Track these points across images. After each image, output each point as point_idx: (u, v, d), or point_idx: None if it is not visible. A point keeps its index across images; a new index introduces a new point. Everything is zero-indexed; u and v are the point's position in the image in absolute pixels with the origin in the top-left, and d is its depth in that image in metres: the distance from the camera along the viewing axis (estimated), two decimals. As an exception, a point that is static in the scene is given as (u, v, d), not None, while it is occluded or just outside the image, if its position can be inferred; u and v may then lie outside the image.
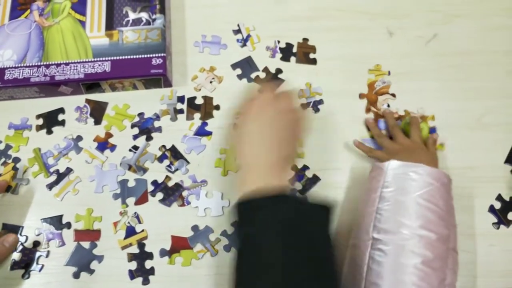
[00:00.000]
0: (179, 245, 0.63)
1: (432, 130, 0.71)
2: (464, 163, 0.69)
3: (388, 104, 0.73)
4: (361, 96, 0.73)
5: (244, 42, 0.77)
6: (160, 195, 0.66)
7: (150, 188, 0.66)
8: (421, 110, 0.72)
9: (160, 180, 0.67)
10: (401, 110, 0.73)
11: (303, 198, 0.53)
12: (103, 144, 0.69)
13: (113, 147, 0.69)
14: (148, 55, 0.71)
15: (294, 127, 0.57)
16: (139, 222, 0.65)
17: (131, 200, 0.66)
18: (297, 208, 0.47)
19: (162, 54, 0.71)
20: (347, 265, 0.58)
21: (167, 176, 0.67)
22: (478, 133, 0.71)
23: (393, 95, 0.73)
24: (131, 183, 0.66)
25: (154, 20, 0.74)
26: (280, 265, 0.43)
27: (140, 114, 0.71)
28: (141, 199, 0.66)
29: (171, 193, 0.66)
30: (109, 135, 0.70)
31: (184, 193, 0.66)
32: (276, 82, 0.70)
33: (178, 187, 0.66)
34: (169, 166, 0.68)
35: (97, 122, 0.71)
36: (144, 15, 0.74)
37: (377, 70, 0.75)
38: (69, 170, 0.67)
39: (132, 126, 0.70)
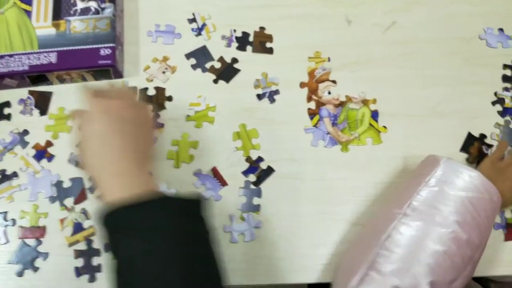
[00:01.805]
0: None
1: (374, 114, 0.70)
2: (420, 151, 0.68)
3: (329, 91, 0.71)
4: (302, 85, 0.71)
5: (199, 31, 0.75)
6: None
7: (89, 184, 0.64)
8: (362, 94, 0.71)
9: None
10: (348, 97, 0.71)
11: (170, 197, 0.49)
12: (41, 153, 0.66)
13: (50, 157, 0.66)
14: (96, 46, 0.68)
15: (142, 123, 0.53)
16: (87, 218, 0.63)
17: (69, 201, 0.64)
18: (167, 211, 0.45)
19: (111, 45, 0.68)
20: (358, 235, 0.58)
21: None
22: (434, 121, 0.70)
23: (334, 81, 0.72)
24: (67, 184, 0.64)
25: (103, 9, 0.71)
26: (157, 272, 0.41)
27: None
28: (79, 198, 0.64)
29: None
30: (49, 143, 0.67)
31: (131, 187, 0.64)
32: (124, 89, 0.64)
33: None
34: (119, 159, 0.66)
35: (43, 112, 0.68)
36: (93, 4, 0.72)
37: (317, 57, 0.73)
38: (15, 175, 0.65)
39: None
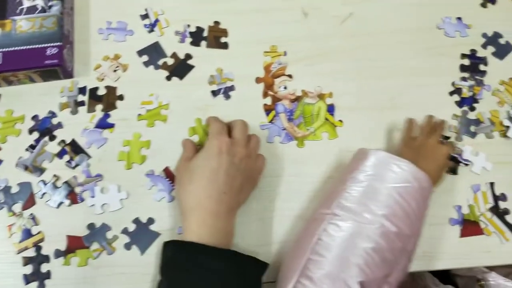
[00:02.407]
0: (74, 245, 0.60)
1: (330, 108, 0.69)
2: (377, 144, 0.67)
3: (285, 86, 0.70)
4: (258, 80, 0.70)
5: (152, 27, 0.73)
6: (47, 196, 0.62)
7: (38, 189, 0.63)
8: (318, 88, 0.70)
9: (62, 177, 0.63)
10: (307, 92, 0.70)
11: (242, 256, 0.53)
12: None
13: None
14: (43, 45, 0.66)
15: (250, 176, 0.60)
16: (35, 224, 0.61)
17: (17, 206, 0.62)
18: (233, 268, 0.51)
19: (58, 44, 0.66)
20: (297, 236, 0.57)
21: (54, 175, 0.63)
22: (391, 113, 0.69)
23: (290, 76, 0.71)
24: (15, 189, 0.62)
25: (50, 7, 0.69)
26: None
27: (35, 117, 0.66)
28: (28, 203, 0.62)
29: (61, 192, 0.62)
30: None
31: (77, 190, 0.62)
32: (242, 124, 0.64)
33: (68, 184, 0.63)
34: (69, 161, 0.64)
35: (-13, 116, 0.66)
36: (39, 2, 0.69)
37: (273, 51, 0.72)
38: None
39: (31, 131, 0.65)
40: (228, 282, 0.50)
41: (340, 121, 0.69)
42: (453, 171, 0.66)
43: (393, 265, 0.50)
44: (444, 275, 0.82)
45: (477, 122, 0.69)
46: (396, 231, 0.50)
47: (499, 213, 0.64)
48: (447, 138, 0.68)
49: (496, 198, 0.65)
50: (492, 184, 0.66)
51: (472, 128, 0.68)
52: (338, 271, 0.48)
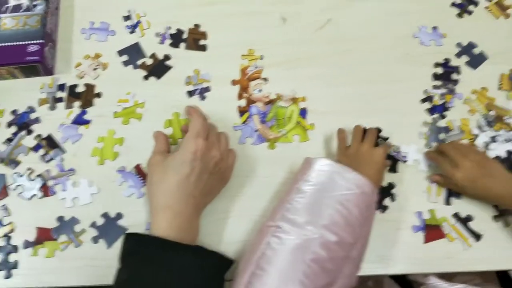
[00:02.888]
0: (43, 236, 0.61)
1: (303, 112, 0.70)
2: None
3: (260, 89, 0.71)
4: (234, 82, 0.72)
5: (133, 28, 0.75)
6: (21, 188, 0.64)
7: (12, 181, 0.64)
8: (292, 92, 0.71)
9: (36, 170, 0.65)
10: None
11: (206, 252, 0.55)
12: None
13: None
14: (25, 42, 0.68)
15: (221, 177, 0.61)
16: (7, 214, 0.63)
17: None
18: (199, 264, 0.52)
19: (40, 41, 0.68)
20: (248, 246, 0.58)
21: (29, 168, 0.65)
22: (363, 118, 0.70)
23: (265, 79, 0.72)
24: None
25: (35, 6, 0.71)
26: None
27: (14, 111, 0.68)
28: (1, 195, 0.63)
29: (34, 185, 0.64)
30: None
31: (50, 183, 0.64)
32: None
33: (42, 177, 0.64)
34: (43, 155, 0.66)
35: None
36: (24, 1, 0.72)
37: (250, 55, 0.74)
38: None
39: (9, 125, 0.68)
40: (190, 277, 0.51)
41: (312, 124, 0.70)
42: (393, 169, 0.67)
43: (335, 274, 0.50)
44: (405, 283, 0.82)
45: (447, 129, 0.70)
46: (337, 240, 0.50)
47: (462, 219, 0.65)
48: (386, 139, 0.68)
49: (450, 194, 0.66)
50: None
51: (442, 136, 0.69)
52: (278, 285, 0.48)
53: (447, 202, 0.66)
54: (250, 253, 0.53)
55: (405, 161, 0.67)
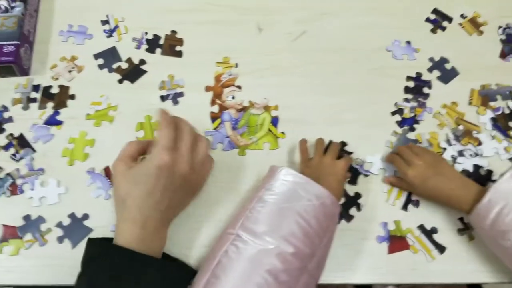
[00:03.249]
0: (9, 234, 0.62)
1: (274, 120, 0.71)
2: (315, 158, 0.69)
3: (233, 96, 0.72)
4: (208, 88, 0.73)
5: (111, 32, 0.76)
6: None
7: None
8: (264, 100, 0.72)
9: (5, 168, 0.65)
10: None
11: (168, 263, 0.55)
12: None
13: None
14: (0, 43, 0.69)
15: (191, 190, 0.59)
16: (-25, 211, 0.63)
17: None
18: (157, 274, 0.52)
19: (15, 42, 0.69)
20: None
21: None
22: (332, 128, 0.71)
23: (239, 87, 0.73)
24: None
25: (13, 8, 0.72)
26: None
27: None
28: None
29: (2, 183, 0.64)
30: None
31: (19, 182, 0.64)
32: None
33: (11, 176, 0.65)
34: (14, 154, 0.67)
35: None
36: (3, 3, 0.73)
37: (225, 62, 0.75)
38: None
39: None
40: (150, 285, 0.51)
41: (283, 133, 0.71)
42: (354, 181, 0.68)
43: (290, 285, 0.50)
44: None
45: (415, 142, 0.71)
46: (293, 251, 0.50)
47: (427, 231, 0.66)
48: (350, 153, 0.70)
49: (409, 201, 0.67)
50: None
51: (410, 147, 0.70)
52: None
53: (405, 208, 0.67)
54: (208, 259, 0.53)
55: (366, 175, 0.68)
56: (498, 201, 0.56)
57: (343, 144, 0.70)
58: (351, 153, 0.70)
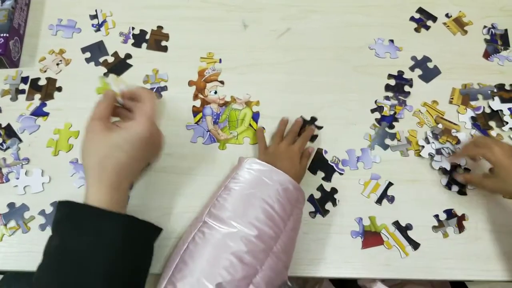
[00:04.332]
0: (-8, 221, 0.64)
1: (255, 115, 0.72)
2: (292, 153, 0.70)
3: (216, 91, 0.74)
4: (191, 83, 0.74)
5: (99, 27, 0.78)
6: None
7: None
8: (247, 96, 0.73)
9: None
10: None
11: (135, 220, 0.55)
12: None
13: None
14: (-10, 35, 0.71)
15: (156, 152, 0.63)
16: (-40, 198, 0.65)
17: None
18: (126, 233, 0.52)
19: (4, 35, 0.71)
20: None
21: None
22: (319, 125, 0.72)
23: (222, 82, 0.74)
24: None
25: (3, 1, 0.74)
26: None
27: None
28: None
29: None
30: None
31: (4, 170, 0.67)
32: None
33: (-5, 164, 0.67)
34: (1, 144, 0.69)
35: None
36: (-6, -4, 0.75)
37: (209, 58, 0.76)
38: None
39: None
40: (119, 243, 0.52)
41: (263, 128, 0.72)
42: (328, 178, 0.69)
43: (255, 266, 0.52)
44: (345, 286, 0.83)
45: (393, 136, 0.71)
46: (257, 234, 0.52)
47: (402, 228, 0.66)
48: (320, 127, 0.72)
49: (384, 195, 0.68)
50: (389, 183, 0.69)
51: (387, 141, 0.71)
52: (199, 278, 0.50)
53: (379, 202, 0.68)
54: (178, 247, 0.55)
55: (341, 173, 0.69)
56: None
57: (313, 119, 0.72)
58: (321, 127, 0.72)
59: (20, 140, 0.69)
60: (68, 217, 0.53)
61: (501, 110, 0.74)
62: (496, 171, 0.61)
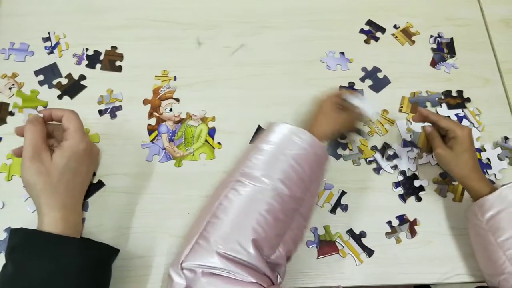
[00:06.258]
0: None
1: (211, 131, 0.73)
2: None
3: (171, 108, 0.75)
4: (145, 102, 0.75)
5: (52, 49, 0.78)
6: None
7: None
8: (202, 112, 0.75)
9: None
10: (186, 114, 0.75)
11: (91, 243, 0.57)
12: None
13: None
14: None
15: (89, 170, 0.64)
16: None
17: None
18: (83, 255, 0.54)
19: (-46, 61, 0.71)
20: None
21: None
22: (265, 138, 0.73)
23: (177, 99, 0.76)
24: None
25: (-47, 26, 0.74)
26: None
27: None
28: None
29: None
30: None
31: (-48, 199, 0.66)
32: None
33: None
34: (-48, 172, 0.68)
35: None
36: None
37: (163, 76, 0.77)
38: None
39: None
40: (75, 267, 0.53)
41: (219, 143, 0.73)
42: None
43: (286, 225, 0.54)
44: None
45: (345, 146, 0.73)
46: (289, 193, 0.54)
47: (356, 235, 0.68)
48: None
49: (338, 204, 0.70)
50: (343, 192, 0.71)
51: (339, 151, 0.73)
52: (233, 232, 0.51)
53: (333, 211, 0.69)
54: (208, 205, 0.56)
55: None
56: (504, 200, 0.59)
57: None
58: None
59: (-28, 167, 0.68)
60: (22, 244, 0.53)
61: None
62: (455, 146, 0.63)
